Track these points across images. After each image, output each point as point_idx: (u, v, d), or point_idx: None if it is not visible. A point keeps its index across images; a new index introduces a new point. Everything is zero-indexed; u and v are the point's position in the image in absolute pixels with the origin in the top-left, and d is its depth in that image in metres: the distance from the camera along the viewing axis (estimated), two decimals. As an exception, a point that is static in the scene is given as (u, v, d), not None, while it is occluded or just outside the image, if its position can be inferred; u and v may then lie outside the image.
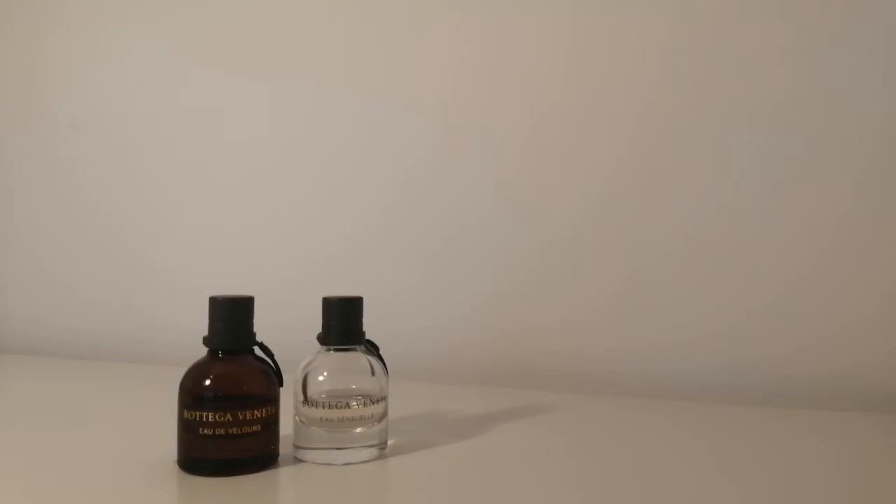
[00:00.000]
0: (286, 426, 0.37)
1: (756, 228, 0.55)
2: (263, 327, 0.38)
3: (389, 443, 0.39)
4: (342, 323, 0.38)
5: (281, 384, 0.37)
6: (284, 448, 0.37)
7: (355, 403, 0.36)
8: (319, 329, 0.38)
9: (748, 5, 0.56)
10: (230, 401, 0.34)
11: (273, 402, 0.36)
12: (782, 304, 0.55)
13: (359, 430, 0.37)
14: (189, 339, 0.38)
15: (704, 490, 0.34)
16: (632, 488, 0.34)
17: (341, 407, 0.36)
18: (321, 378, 0.37)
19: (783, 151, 0.55)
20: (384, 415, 0.38)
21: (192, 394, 0.35)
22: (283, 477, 0.35)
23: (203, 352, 0.36)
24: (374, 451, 0.37)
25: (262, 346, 0.37)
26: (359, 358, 0.38)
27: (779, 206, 0.55)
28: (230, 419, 0.34)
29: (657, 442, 0.43)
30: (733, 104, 0.56)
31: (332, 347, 0.38)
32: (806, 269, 0.54)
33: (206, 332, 0.36)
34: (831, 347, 0.53)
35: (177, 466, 0.35)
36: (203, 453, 0.34)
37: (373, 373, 0.38)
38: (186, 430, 0.35)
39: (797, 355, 0.54)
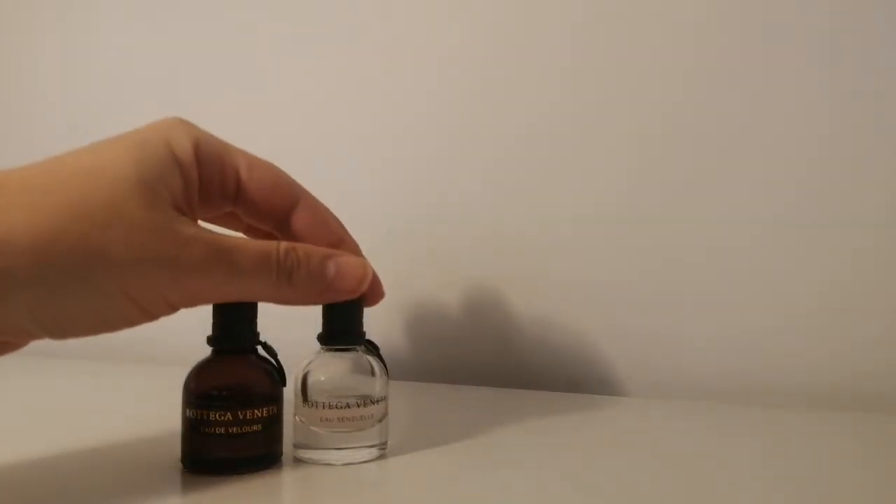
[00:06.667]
0: (287, 426, 0.37)
1: (789, 230, 0.55)
2: (265, 327, 0.38)
3: (389, 443, 0.39)
4: (342, 323, 0.38)
5: (284, 384, 0.37)
6: (284, 448, 0.37)
7: (355, 404, 0.37)
8: (320, 329, 0.38)
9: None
10: (233, 400, 0.35)
11: (275, 401, 0.36)
12: (821, 305, 0.54)
13: (359, 430, 0.37)
14: (192, 339, 0.38)
15: (710, 492, 0.34)
16: (635, 490, 0.35)
17: (341, 407, 0.37)
18: (321, 378, 0.38)
19: (819, 148, 0.54)
20: (384, 415, 0.38)
21: (194, 392, 0.35)
22: (283, 477, 0.35)
23: (207, 351, 0.37)
24: (374, 452, 0.38)
25: (266, 346, 0.37)
26: (359, 358, 0.38)
27: (812, 207, 0.54)
28: (231, 418, 0.34)
29: (662, 444, 0.43)
30: (766, 100, 0.55)
31: (332, 347, 0.38)
32: (848, 269, 0.53)
33: (210, 332, 0.37)
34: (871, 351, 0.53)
35: (180, 465, 0.36)
36: (205, 452, 0.35)
37: (373, 373, 0.38)
38: (189, 428, 0.35)
39: (832, 359, 0.53)
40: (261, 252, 0.31)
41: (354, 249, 0.38)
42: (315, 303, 0.35)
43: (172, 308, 0.31)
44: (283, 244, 0.32)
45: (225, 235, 0.32)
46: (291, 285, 0.32)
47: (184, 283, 0.30)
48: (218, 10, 0.72)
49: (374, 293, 0.38)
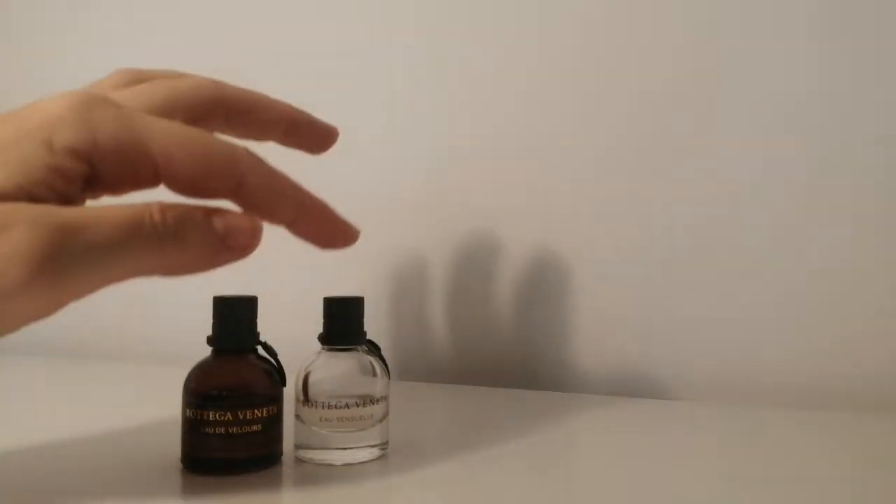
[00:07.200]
0: (287, 426, 0.37)
1: (788, 230, 0.55)
2: (265, 327, 0.38)
3: (390, 443, 0.39)
4: (343, 323, 0.38)
5: (284, 384, 0.37)
6: (285, 448, 0.37)
7: (356, 404, 0.37)
8: (321, 328, 0.38)
9: None
10: (233, 400, 0.35)
11: (275, 401, 0.36)
12: (811, 300, 0.54)
13: (359, 430, 0.37)
14: (192, 339, 0.38)
15: (711, 492, 0.34)
16: (636, 489, 0.35)
17: (341, 407, 0.37)
18: (322, 378, 0.38)
19: (819, 148, 0.54)
20: (385, 415, 0.38)
21: (194, 392, 0.35)
22: (283, 477, 0.35)
23: (207, 351, 0.37)
24: (374, 452, 0.38)
25: (266, 346, 0.37)
26: (360, 358, 0.38)
27: (812, 206, 0.54)
28: (231, 418, 0.34)
29: (663, 444, 0.43)
30: (766, 99, 0.56)
31: (332, 347, 0.38)
32: (848, 269, 0.53)
33: (209, 332, 0.37)
34: (865, 346, 0.53)
35: (180, 465, 0.36)
36: (205, 452, 0.35)
37: (374, 373, 0.38)
38: (189, 429, 0.35)
39: (830, 359, 0.53)
40: (129, 215, 0.26)
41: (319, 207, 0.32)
42: (210, 266, 0.28)
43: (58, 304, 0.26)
44: (155, 203, 0.27)
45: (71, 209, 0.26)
46: (181, 245, 0.27)
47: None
48: (218, 9, 0.72)
49: (335, 232, 0.33)
